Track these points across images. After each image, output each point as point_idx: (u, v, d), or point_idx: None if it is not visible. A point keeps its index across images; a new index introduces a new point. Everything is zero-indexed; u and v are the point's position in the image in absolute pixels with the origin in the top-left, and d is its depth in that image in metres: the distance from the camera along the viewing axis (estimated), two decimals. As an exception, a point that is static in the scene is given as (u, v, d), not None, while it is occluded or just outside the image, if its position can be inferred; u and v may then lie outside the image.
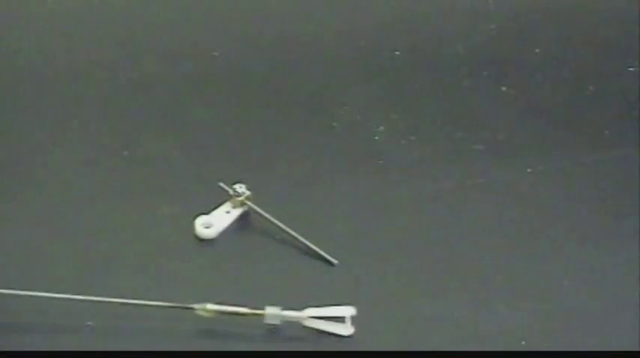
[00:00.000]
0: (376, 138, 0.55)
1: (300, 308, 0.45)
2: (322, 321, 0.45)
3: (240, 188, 0.50)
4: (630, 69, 0.60)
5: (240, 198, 0.50)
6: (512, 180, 0.53)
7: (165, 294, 0.45)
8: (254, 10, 0.62)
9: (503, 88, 0.58)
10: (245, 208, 0.50)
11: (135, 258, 0.47)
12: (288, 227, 0.49)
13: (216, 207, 0.50)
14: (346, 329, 0.45)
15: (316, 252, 0.48)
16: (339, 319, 0.45)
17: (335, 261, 0.48)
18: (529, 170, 0.53)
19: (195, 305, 0.45)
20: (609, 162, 0.54)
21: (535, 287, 0.48)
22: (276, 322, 0.45)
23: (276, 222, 0.49)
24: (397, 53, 0.60)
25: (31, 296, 0.45)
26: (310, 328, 0.45)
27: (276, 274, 0.47)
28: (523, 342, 0.45)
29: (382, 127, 0.55)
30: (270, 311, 0.45)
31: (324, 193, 0.52)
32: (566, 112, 0.57)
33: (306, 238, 0.49)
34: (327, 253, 0.48)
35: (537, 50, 0.61)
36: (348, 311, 0.45)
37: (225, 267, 0.47)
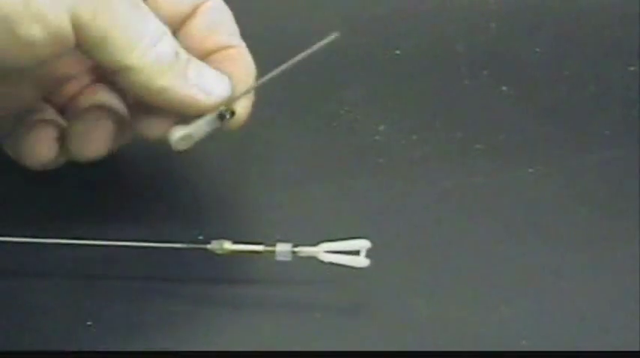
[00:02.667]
0: (376, 138, 0.55)
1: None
2: (337, 256, 0.45)
3: None
4: (630, 69, 0.60)
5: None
6: (513, 180, 0.53)
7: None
8: (252, 9, 0.61)
9: (504, 88, 0.58)
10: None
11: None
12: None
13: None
14: (362, 262, 0.45)
15: None
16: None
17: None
18: (530, 170, 0.53)
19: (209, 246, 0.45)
20: (609, 162, 0.54)
21: (535, 288, 0.47)
22: (288, 258, 0.45)
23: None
24: (397, 52, 0.60)
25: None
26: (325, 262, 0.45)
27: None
28: (523, 342, 0.45)
29: (382, 127, 0.55)
30: (281, 247, 0.45)
31: (323, 193, 0.52)
32: (566, 112, 0.57)
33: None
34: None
35: (537, 50, 0.61)
36: (362, 243, 0.45)
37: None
